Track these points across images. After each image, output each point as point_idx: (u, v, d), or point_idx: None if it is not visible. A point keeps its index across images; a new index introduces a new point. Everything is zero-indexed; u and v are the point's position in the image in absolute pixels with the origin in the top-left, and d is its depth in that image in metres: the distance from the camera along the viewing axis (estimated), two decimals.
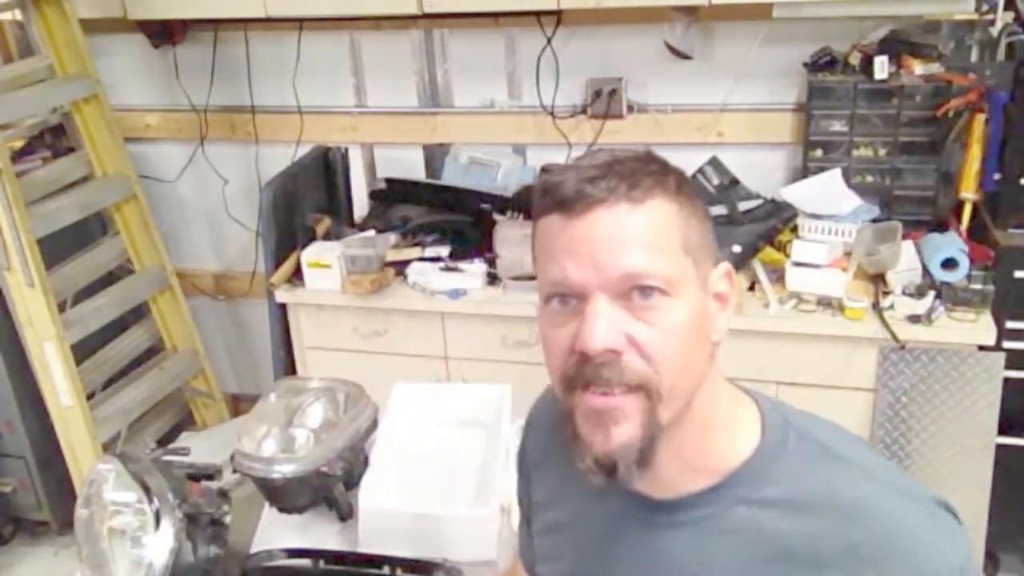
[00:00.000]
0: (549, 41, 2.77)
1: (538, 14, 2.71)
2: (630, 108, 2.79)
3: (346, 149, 3.00)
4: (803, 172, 2.58)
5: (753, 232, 2.47)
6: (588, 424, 0.81)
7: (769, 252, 2.50)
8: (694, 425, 0.84)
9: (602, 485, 0.83)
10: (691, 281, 0.81)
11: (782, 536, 0.82)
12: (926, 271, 2.34)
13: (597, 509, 0.92)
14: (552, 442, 0.99)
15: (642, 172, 0.81)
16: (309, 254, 2.68)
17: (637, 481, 0.84)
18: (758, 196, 2.62)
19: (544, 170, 2.87)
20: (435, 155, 3.09)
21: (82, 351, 2.77)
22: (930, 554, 0.79)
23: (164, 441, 2.68)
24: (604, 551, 0.91)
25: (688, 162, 2.65)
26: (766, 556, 0.82)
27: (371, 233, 2.76)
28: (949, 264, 2.30)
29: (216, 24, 3.06)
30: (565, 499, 0.97)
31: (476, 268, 2.61)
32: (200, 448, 1.57)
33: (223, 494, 1.43)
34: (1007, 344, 2.26)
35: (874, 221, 2.43)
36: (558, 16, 2.72)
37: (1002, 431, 2.31)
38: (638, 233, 0.79)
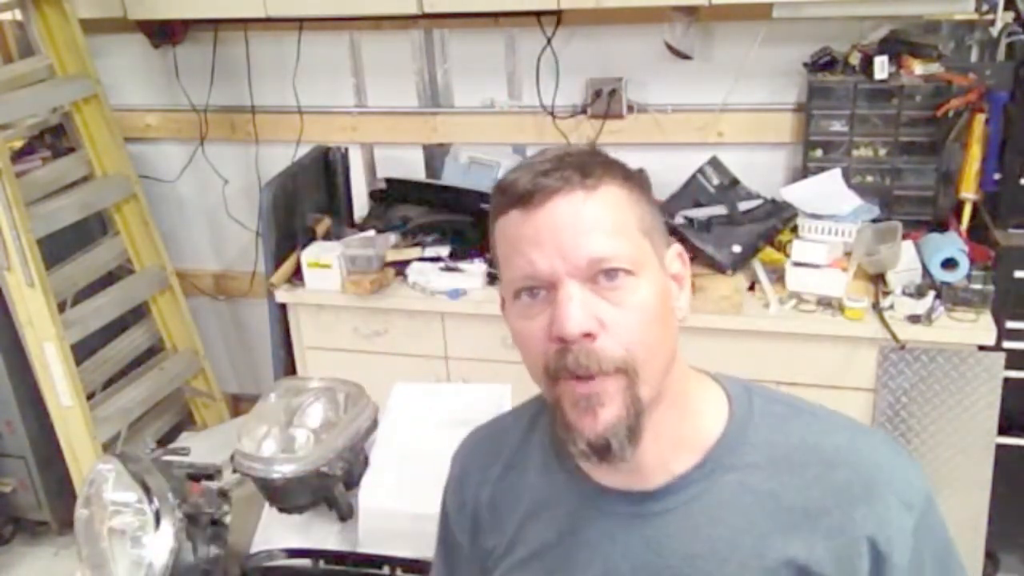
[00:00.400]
0: (549, 41, 2.77)
1: (538, 14, 2.71)
2: (630, 108, 2.79)
3: (346, 149, 3.00)
4: (803, 172, 2.58)
5: (753, 232, 2.47)
6: (576, 410, 0.83)
7: (769, 252, 2.50)
8: (670, 405, 0.87)
9: (593, 468, 0.88)
10: (651, 260, 0.85)
11: (775, 495, 0.86)
12: (926, 271, 2.34)
13: (580, 522, 0.92)
14: (503, 482, 0.99)
15: (591, 162, 0.85)
16: (309, 254, 2.68)
17: (624, 474, 0.88)
18: (758, 196, 2.62)
19: None
20: (435, 155, 3.09)
21: (82, 351, 2.77)
22: (906, 482, 0.86)
23: (164, 441, 2.68)
24: (594, 562, 0.90)
25: (688, 162, 2.66)
26: (764, 517, 0.85)
27: (371, 233, 2.76)
28: (949, 264, 2.30)
29: (216, 24, 3.06)
30: (537, 528, 0.95)
31: (476, 268, 2.61)
32: (200, 448, 1.57)
33: (223, 494, 1.44)
34: (1007, 344, 2.26)
35: (874, 221, 2.43)
36: (558, 16, 2.72)
37: (1002, 431, 2.31)
38: (597, 218, 0.82)
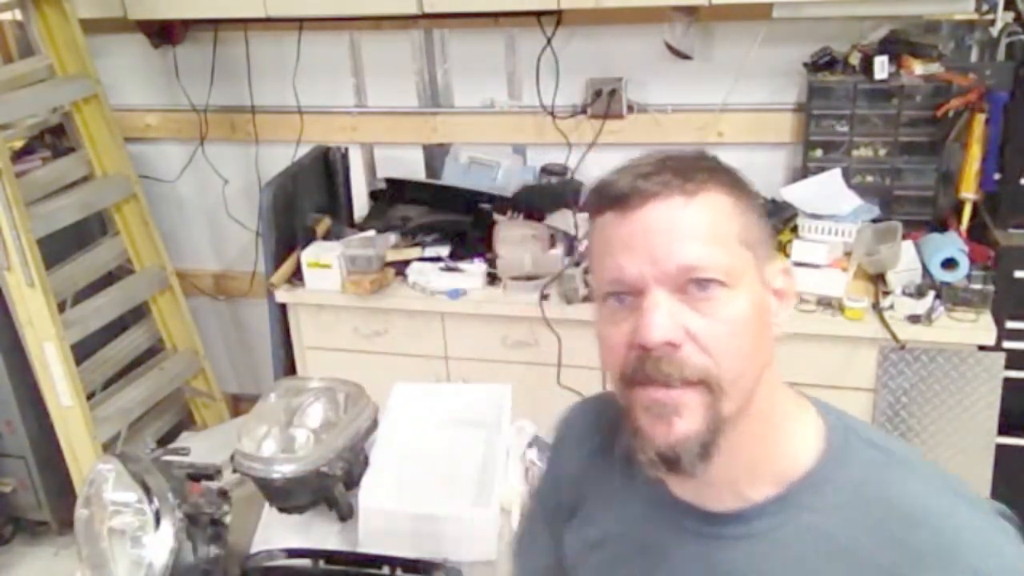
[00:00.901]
0: (549, 41, 2.77)
1: (538, 14, 2.71)
2: (630, 108, 2.79)
3: (346, 149, 3.00)
4: (803, 172, 2.58)
5: None
6: (649, 417, 0.80)
7: None
8: (754, 425, 0.82)
9: (663, 476, 0.84)
10: (750, 273, 0.81)
11: (849, 547, 0.80)
12: (926, 271, 2.34)
13: (648, 524, 0.90)
14: (593, 459, 0.99)
15: (695, 168, 0.82)
16: (309, 254, 2.68)
17: (695, 489, 0.85)
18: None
19: (545, 170, 2.87)
20: (435, 155, 3.09)
21: (82, 351, 2.77)
22: (996, 557, 0.77)
23: (164, 441, 2.67)
24: (656, 567, 0.89)
25: None
26: (828, 560, 0.80)
27: (371, 233, 2.76)
28: (949, 264, 2.30)
29: (216, 24, 3.06)
30: (608, 516, 0.95)
31: (476, 268, 2.61)
32: (200, 448, 1.57)
33: (223, 494, 1.43)
34: (1007, 344, 2.26)
35: (874, 221, 2.43)
36: (558, 16, 2.72)
37: (1002, 431, 2.31)
38: (694, 225, 0.79)
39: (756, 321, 0.81)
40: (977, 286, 2.27)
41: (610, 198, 0.81)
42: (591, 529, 0.96)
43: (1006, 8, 2.31)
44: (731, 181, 0.84)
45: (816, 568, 0.80)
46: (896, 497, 0.80)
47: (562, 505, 1.01)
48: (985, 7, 2.29)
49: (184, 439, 3.08)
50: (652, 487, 0.89)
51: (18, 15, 2.81)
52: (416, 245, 2.73)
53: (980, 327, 2.23)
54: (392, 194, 2.95)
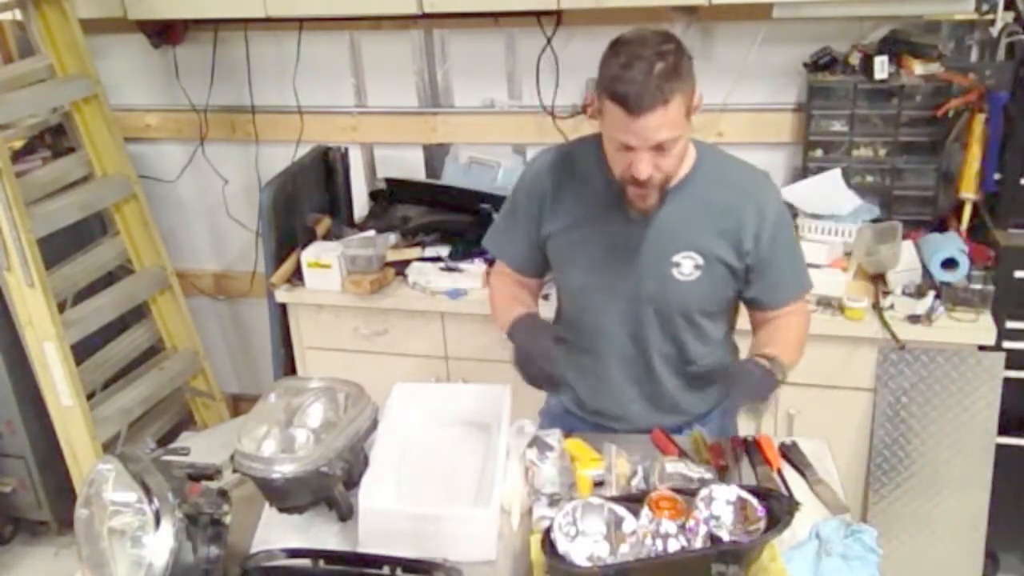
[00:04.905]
0: (549, 41, 2.77)
1: (538, 14, 2.71)
2: None
3: (346, 149, 3.00)
4: (803, 172, 2.58)
5: None
6: (633, 196, 1.59)
7: None
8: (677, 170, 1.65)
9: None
10: (686, 124, 1.54)
11: (707, 196, 1.67)
12: (926, 271, 2.34)
13: (606, 213, 1.69)
14: (566, 181, 1.75)
15: (668, 78, 1.46)
16: (309, 254, 2.68)
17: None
18: None
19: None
20: (435, 155, 3.09)
21: (82, 351, 2.77)
22: (768, 201, 1.70)
23: (164, 441, 2.68)
24: (604, 231, 1.70)
25: None
26: (699, 206, 1.67)
27: (371, 233, 2.76)
28: (949, 264, 2.30)
29: (216, 24, 3.06)
30: (579, 209, 1.73)
31: (476, 268, 2.61)
32: (200, 448, 1.57)
33: (223, 494, 1.43)
34: (1007, 344, 2.26)
35: (874, 221, 2.43)
36: (558, 16, 2.72)
37: (1002, 431, 2.31)
38: (665, 121, 1.48)
39: (685, 143, 1.59)
40: (977, 286, 2.27)
41: (622, 102, 1.47)
42: (568, 216, 1.74)
43: (1006, 8, 2.31)
44: (685, 85, 1.49)
45: (693, 211, 1.66)
46: (728, 175, 1.70)
47: (544, 203, 1.76)
48: (985, 7, 2.29)
49: (184, 439, 3.09)
50: (621, 203, 1.64)
51: (18, 15, 2.81)
52: (416, 245, 2.73)
53: (980, 327, 2.23)
54: (392, 194, 2.95)
